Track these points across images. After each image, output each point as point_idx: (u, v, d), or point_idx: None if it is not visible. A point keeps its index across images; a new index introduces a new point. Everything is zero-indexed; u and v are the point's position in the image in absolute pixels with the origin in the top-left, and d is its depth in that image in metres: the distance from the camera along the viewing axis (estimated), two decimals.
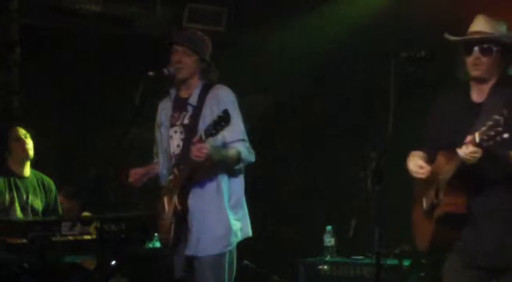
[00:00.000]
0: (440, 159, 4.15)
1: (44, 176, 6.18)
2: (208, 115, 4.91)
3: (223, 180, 4.93)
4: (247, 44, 7.70)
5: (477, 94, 4.20)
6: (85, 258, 5.50)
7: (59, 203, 6.21)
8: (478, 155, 3.85)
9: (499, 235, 4.05)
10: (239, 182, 5.02)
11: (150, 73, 4.86)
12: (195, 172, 4.83)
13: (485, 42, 4.10)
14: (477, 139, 3.77)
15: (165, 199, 4.99)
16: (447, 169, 4.05)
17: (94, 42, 7.47)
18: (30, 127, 6.17)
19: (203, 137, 4.64)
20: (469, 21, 4.26)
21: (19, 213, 5.93)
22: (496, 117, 3.67)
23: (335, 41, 7.43)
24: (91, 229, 5.41)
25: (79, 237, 5.39)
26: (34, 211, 6.01)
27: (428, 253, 4.27)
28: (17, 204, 5.96)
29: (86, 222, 5.43)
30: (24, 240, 5.21)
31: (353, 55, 7.33)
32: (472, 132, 3.91)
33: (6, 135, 6.08)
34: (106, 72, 7.55)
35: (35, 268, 5.28)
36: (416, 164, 4.22)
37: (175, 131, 5.02)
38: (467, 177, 4.01)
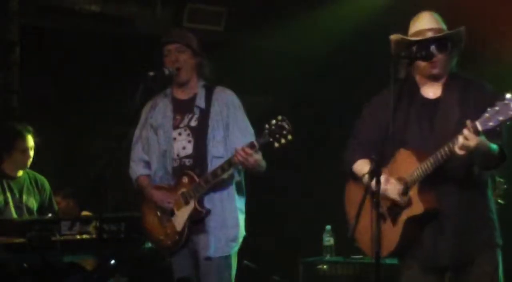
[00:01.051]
0: (404, 157, 4.10)
1: (36, 174, 6.17)
2: (217, 118, 4.93)
3: (234, 183, 4.97)
4: (247, 44, 7.69)
5: (430, 91, 4.19)
6: (84, 258, 5.49)
7: (54, 201, 6.20)
8: (473, 144, 3.79)
9: (462, 231, 4.07)
10: (243, 183, 5.07)
11: (151, 73, 4.86)
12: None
13: (441, 39, 4.08)
14: (480, 127, 3.73)
15: (171, 201, 4.98)
16: (418, 167, 4.02)
17: (94, 42, 7.47)
18: (36, 132, 6.11)
19: (256, 144, 4.64)
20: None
21: (14, 213, 5.92)
22: (505, 102, 3.64)
23: (335, 41, 7.43)
24: (91, 228, 5.40)
25: (78, 237, 5.38)
26: (29, 210, 6.00)
27: (387, 258, 4.21)
28: (11, 205, 5.94)
29: (86, 221, 5.42)
30: (23, 240, 5.21)
31: (353, 55, 7.32)
32: (437, 127, 4.01)
33: (12, 139, 6.01)
34: (106, 72, 7.55)
35: (34, 268, 5.28)
36: (385, 180, 4.08)
37: (179, 134, 5.01)
38: (436, 175, 4.00)
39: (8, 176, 6.02)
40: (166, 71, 4.94)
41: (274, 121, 4.61)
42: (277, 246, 7.72)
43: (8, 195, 5.96)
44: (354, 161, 4.34)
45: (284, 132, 4.58)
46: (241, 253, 5.17)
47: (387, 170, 4.15)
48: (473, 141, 3.77)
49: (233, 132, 4.95)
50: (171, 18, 7.76)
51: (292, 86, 7.79)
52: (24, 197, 6.02)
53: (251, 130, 5.00)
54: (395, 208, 4.14)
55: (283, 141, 4.59)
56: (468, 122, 3.77)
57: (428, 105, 4.15)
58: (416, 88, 4.21)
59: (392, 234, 4.13)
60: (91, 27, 7.44)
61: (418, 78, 4.22)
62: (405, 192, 4.08)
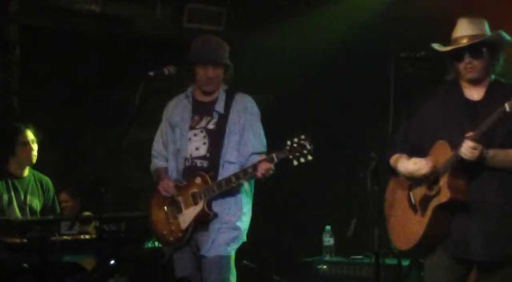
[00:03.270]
0: (439, 148, 4.19)
1: (42, 175, 6.18)
2: (235, 123, 5.02)
3: (243, 187, 5.06)
4: (247, 44, 7.69)
5: (473, 93, 4.27)
6: (84, 258, 5.49)
7: (57, 202, 6.21)
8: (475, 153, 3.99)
9: (499, 228, 4.10)
10: (251, 187, 5.13)
11: (150, 73, 4.87)
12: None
13: (474, 46, 4.16)
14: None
15: (181, 199, 5.01)
16: (450, 155, 4.10)
17: (94, 42, 7.47)
18: (37, 129, 6.11)
19: (275, 159, 4.73)
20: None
21: (17, 213, 5.93)
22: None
23: (335, 41, 7.43)
24: (90, 228, 5.41)
25: (78, 237, 5.39)
26: (32, 210, 6.01)
27: (415, 249, 4.28)
28: (15, 204, 5.95)
29: (85, 221, 5.43)
30: (23, 240, 5.21)
31: (353, 55, 7.32)
32: (475, 128, 4.03)
33: (12, 136, 6.03)
34: (106, 72, 7.55)
35: (34, 268, 5.28)
36: (415, 162, 4.23)
37: (195, 135, 5.09)
38: (469, 167, 4.07)
39: (14, 175, 6.03)
40: (166, 72, 4.95)
41: (296, 139, 4.73)
42: (277, 246, 7.72)
43: (13, 194, 5.98)
44: (392, 156, 4.41)
45: (305, 152, 4.71)
46: (241, 253, 5.18)
47: None
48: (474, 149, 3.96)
49: (247, 137, 5.05)
50: (171, 18, 7.76)
51: (292, 86, 7.78)
52: (29, 198, 6.03)
53: (264, 139, 5.11)
54: (426, 199, 4.20)
55: (302, 160, 4.73)
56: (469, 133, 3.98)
57: (471, 107, 4.22)
58: (459, 90, 4.28)
59: (420, 224, 4.21)
60: (91, 27, 7.44)
61: (461, 81, 4.30)
62: (435, 182, 4.15)
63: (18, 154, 6.02)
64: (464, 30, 4.20)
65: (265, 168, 4.76)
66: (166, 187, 5.06)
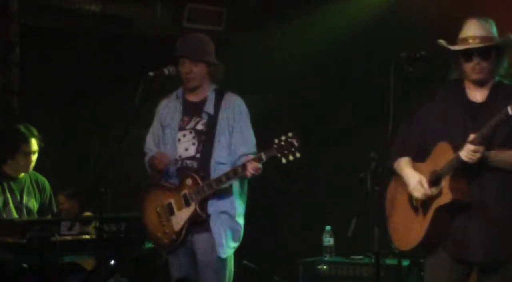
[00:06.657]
0: (441, 150, 4.18)
1: (38, 175, 6.15)
2: (224, 123, 5.00)
3: (236, 188, 5.04)
4: (247, 44, 7.70)
5: (476, 94, 4.27)
6: (84, 258, 5.49)
7: (54, 202, 6.18)
8: (476, 154, 4.00)
9: (494, 229, 4.11)
10: (244, 189, 5.11)
11: (150, 73, 4.87)
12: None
13: (485, 47, 4.15)
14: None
15: (172, 201, 5.00)
16: (452, 157, 4.10)
17: (94, 42, 7.47)
18: (41, 136, 6.08)
19: (263, 158, 4.73)
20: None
21: (14, 214, 5.91)
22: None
23: (335, 41, 7.43)
24: (90, 228, 5.40)
25: (78, 237, 5.38)
26: (29, 210, 5.99)
27: (416, 249, 4.28)
28: (11, 205, 5.93)
29: (85, 221, 5.42)
30: (23, 240, 5.20)
31: (353, 55, 7.32)
32: (478, 129, 4.03)
33: (17, 142, 5.98)
34: (106, 72, 7.55)
35: (34, 268, 5.28)
36: (419, 181, 4.22)
37: (184, 135, 5.07)
38: (470, 168, 4.07)
39: (9, 177, 6.01)
40: (166, 72, 4.96)
41: (283, 137, 4.72)
42: (277, 246, 7.72)
43: (8, 195, 5.95)
44: (395, 159, 4.40)
45: (293, 149, 4.71)
46: (241, 253, 5.18)
47: (426, 164, 4.25)
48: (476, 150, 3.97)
49: (236, 137, 5.02)
50: (171, 18, 7.76)
51: (292, 86, 7.79)
52: (25, 198, 6.01)
53: (253, 139, 5.08)
54: (428, 200, 4.20)
55: (290, 157, 4.72)
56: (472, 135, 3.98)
57: (474, 108, 4.23)
58: (462, 91, 4.28)
59: (421, 225, 4.21)
60: (91, 27, 7.44)
61: (465, 81, 4.29)
62: (437, 183, 4.15)
63: (18, 161, 5.98)
64: (474, 30, 4.19)
65: (254, 167, 4.76)
66: (161, 156, 5.02)
